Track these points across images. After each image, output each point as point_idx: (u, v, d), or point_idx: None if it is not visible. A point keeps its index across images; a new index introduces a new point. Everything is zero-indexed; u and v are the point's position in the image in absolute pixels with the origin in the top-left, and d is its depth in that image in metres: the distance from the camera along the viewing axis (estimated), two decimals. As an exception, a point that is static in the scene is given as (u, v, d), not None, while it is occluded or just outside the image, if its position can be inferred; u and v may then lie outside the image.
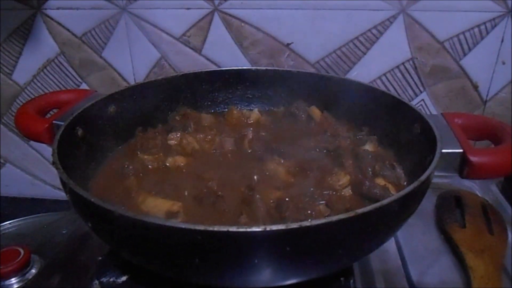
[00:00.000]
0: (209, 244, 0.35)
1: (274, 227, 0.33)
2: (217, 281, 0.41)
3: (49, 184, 0.98)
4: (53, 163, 0.43)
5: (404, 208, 0.41)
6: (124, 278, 0.50)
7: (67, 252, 0.62)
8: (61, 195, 0.97)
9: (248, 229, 0.33)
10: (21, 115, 0.55)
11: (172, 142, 0.60)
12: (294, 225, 0.34)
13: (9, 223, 0.84)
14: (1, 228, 0.83)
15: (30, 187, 0.98)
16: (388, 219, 0.40)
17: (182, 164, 0.56)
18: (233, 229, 0.33)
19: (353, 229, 0.37)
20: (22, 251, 0.69)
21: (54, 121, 0.54)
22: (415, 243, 0.58)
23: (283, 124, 0.68)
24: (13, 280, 0.67)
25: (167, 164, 0.56)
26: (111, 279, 0.50)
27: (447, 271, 0.54)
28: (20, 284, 0.66)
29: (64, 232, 0.82)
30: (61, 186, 1.02)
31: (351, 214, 0.36)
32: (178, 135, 0.60)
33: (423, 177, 0.41)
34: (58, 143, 0.47)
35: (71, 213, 0.88)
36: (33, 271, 0.68)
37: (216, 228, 0.33)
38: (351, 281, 0.50)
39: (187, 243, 0.35)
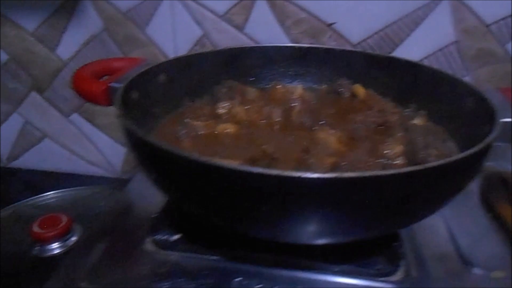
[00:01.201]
0: (281, 192, 0.35)
1: (352, 174, 0.34)
2: (274, 233, 0.42)
3: (85, 160, 0.99)
4: (118, 117, 0.44)
5: (469, 168, 0.41)
6: (177, 237, 0.51)
7: (110, 219, 0.62)
8: (96, 171, 1.00)
9: (327, 176, 0.34)
10: (79, 77, 0.56)
11: (221, 110, 0.60)
12: (370, 173, 0.34)
13: (48, 194, 0.86)
14: (41, 199, 0.85)
15: (67, 162, 1.00)
16: (453, 178, 0.40)
17: (232, 131, 0.57)
18: (306, 175, 0.34)
19: (416, 184, 0.37)
20: (64, 218, 0.71)
21: (110, 84, 0.55)
22: (463, 220, 0.58)
23: (327, 101, 0.68)
24: (55, 245, 0.69)
25: (217, 131, 0.57)
26: (164, 237, 0.51)
27: (497, 246, 0.53)
28: (62, 249, 0.68)
29: (101, 204, 0.84)
30: (97, 161, 1.03)
31: (420, 167, 0.36)
32: (227, 104, 0.61)
33: (488, 139, 0.41)
34: (121, 101, 0.48)
35: (107, 188, 0.90)
36: (74, 238, 0.70)
37: (292, 174, 0.34)
38: (401, 248, 0.50)
39: (260, 188, 0.35)
